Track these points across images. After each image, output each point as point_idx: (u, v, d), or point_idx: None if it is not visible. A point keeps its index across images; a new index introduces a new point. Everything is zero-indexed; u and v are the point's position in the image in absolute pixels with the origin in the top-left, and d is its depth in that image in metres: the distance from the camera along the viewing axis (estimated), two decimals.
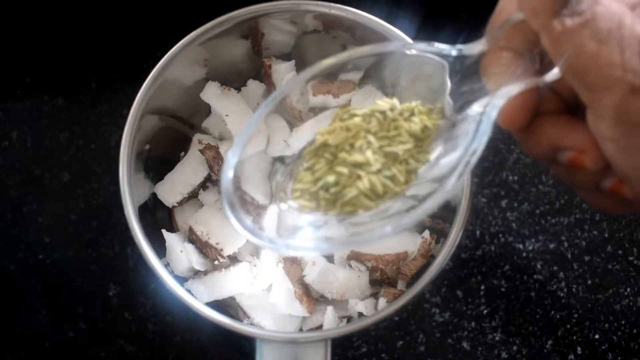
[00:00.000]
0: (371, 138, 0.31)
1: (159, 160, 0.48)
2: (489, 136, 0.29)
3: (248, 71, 0.50)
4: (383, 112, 0.32)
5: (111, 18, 0.56)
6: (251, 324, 0.45)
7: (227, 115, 0.46)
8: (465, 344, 0.52)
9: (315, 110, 0.47)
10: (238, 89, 0.49)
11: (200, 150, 0.47)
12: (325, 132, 0.33)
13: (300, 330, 0.47)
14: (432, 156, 0.32)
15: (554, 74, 0.28)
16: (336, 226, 0.32)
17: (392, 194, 0.31)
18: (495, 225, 0.54)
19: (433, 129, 0.32)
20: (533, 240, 0.53)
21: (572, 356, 0.52)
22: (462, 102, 0.31)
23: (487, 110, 0.29)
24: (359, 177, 0.31)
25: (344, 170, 0.31)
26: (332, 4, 0.43)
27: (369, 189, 0.31)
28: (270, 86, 0.48)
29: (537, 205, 0.54)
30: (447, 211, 0.46)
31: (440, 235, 0.46)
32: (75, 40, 0.56)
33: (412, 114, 0.32)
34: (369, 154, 0.31)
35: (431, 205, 0.29)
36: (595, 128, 0.27)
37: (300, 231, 0.33)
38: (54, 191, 0.54)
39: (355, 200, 0.31)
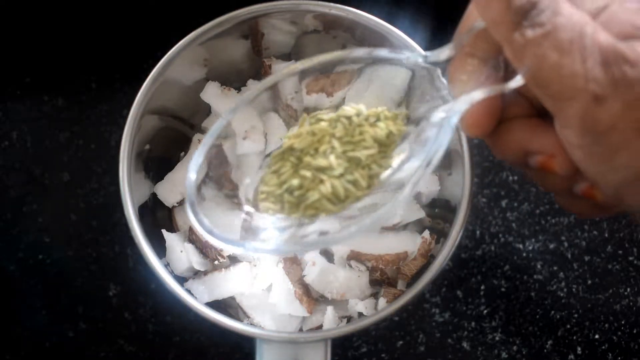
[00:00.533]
0: (335, 143, 0.32)
1: (159, 160, 0.48)
2: (448, 141, 0.29)
3: (248, 71, 0.50)
4: (349, 118, 0.33)
5: (111, 18, 0.56)
6: (251, 324, 0.45)
7: None
8: (465, 344, 0.52)
9: (309, 110, 0.47)
10: (238, 89, 0.49)
11: None
12: (292, 136, 0.33)
13: (300, 330, 0.47)
14: (396, 161, 0.32)
15: (517, 81, 0.28)
16: (331, 220, 0.32)
17: (353, 198, 0.32)
18: (495, 225, 0.54)
19: (398, 135, 0.32)
20: (533, 240, 0.53)
21: (572, 356, 0.52)
22: (428, 107, 0.32)
23: (449, 115, 0.29)
24: (321, 181, 0.31)
25: (308, 174, 0.32)
26: (332, 4, 0.43)
27: (331, 192, 0.31)
28: (273, 91, 0.48)
29: (537, 205, 0.54)
30: (447, 211, 0.46)
31: (440, 235, 0.46)
32: (76, 40, 0.56)
33: (378, 119, 0.33)
34: (332, 158, 0.31)
35: (389, 209, 0.30)
36: (563, 135, 0.27)
37: (264, 232, 0.33)
38: (54, 191, 0.54)
39: (318, 203, 0.32)
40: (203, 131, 0.50)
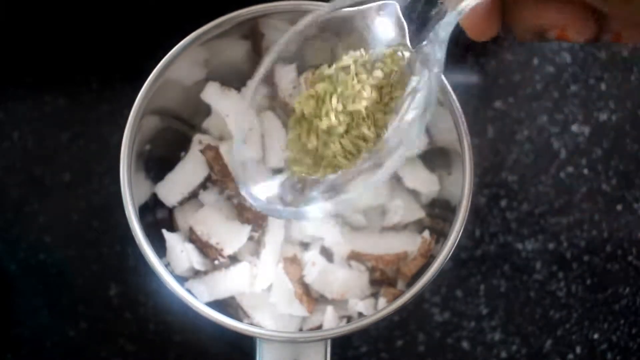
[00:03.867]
0: (334, 101, 0.33)
1: (159, 160, 0.48)
2: (445, 55, 0.30)
3: (248, 72, 0.49)
4: (347, 68, 0.33)
5: (112, 18, 0.56)
6: (251, 324, 0.45)
7: (227, 116, 0.46)
8: (465, 344, 0.52)
9: None
10: (238, 90, 0.49)
11: (201, 151, 0.47)
12: (301, 100, 0.35)
13: (300, 330, 0.47)
14: (401, 103, 0.33)
15: None
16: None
17: (366, 150, 0.33)
18: (495, 225, 0.54)
19: (400, 71, 0.33)
20: (532, 240, 0.53)
21: (571, 356, 0.52)
22: (424, 34, 0.32)
23: (445, 22, 0.30)
24: (331, 142, 0.33)
25: (318, 136, 0.33)
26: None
27: (341, 150, 0.33)
28: (270, 87, 0.48)
29: (537, 205, 0.54)
30: (447, 211, 0.46)
31: (440, 235, 0.46)
32: (77, 40, 0.56)
33: (377, 60, 0.33)
34: (332, 118, 0.33)
35: (402, 153, 0.31)
36: None
37: (307, 196, 0.35)
38: (55, 191, 0.54)
39: (334, 161, 0.33)
40: (203, 131, 0.50)
